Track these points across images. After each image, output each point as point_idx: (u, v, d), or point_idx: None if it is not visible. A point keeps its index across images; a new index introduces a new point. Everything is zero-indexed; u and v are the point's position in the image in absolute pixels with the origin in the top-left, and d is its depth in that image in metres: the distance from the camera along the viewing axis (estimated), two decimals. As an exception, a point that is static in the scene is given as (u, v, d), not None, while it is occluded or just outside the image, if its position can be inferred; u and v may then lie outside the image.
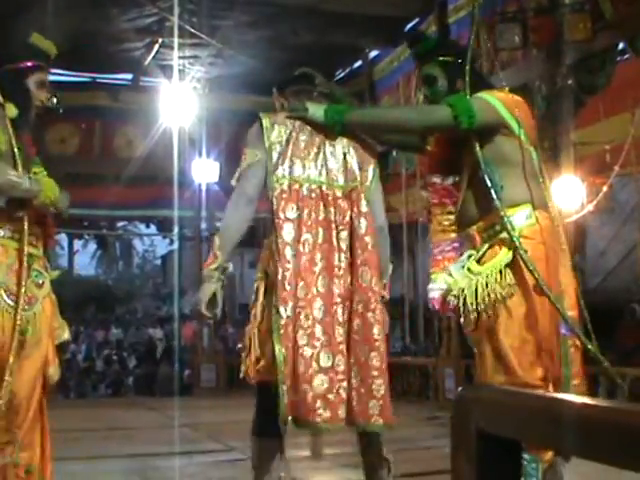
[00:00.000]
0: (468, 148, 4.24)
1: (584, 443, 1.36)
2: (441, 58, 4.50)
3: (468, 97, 4.24)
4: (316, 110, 4.25)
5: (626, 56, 9.94)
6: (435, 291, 4.46)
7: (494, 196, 4.08)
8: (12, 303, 4.32)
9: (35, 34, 4.83)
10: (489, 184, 4.10)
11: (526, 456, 3.86)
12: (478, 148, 4.16)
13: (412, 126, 4.45)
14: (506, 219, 4.03)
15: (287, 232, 4.12)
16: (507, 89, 4.77)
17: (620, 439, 1.28)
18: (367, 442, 4.22)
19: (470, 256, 4.22)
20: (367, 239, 4.19)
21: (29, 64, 4.76)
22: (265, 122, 4.25)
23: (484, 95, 4.31)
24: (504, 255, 4.07)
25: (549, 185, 4.56)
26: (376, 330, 4.11)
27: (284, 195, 4.16)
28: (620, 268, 15.74)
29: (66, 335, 4.93)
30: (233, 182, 4.28)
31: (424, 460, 5.15)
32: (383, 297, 4.24)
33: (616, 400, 9.81)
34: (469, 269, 4.12)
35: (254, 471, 4.16)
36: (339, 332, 4.08)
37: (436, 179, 4.71)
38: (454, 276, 4.17)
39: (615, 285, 15.38)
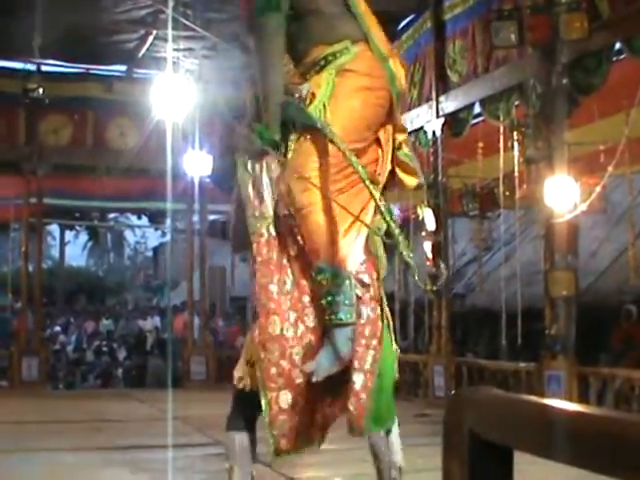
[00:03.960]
0: None
1: (576, 451, 1.35)
2: None
3: None
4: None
5: (622, 56, 9.92)
6: None
7: None
8: None
9: None
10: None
11: (336, 271, 3.93)
12: None
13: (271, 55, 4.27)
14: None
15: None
16: None
17: (612, 448, 1.27)
18: (370, 447, 4.25)
19: None
20: None
21: None
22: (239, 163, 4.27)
23: None
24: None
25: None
26: None
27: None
28: (612, 269, 15.75)
29: None
30: None
31: (413, 458, 5.13)
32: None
33: (606, 403, 9.85)
34: None
35: (227, 466, 4.16)
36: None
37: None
38: None
39: (607, 286, 15.40)
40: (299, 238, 4.07)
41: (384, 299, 4.27)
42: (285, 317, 4.04)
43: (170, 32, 12.78)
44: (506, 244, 16.53)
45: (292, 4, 4.23)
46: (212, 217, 19.87)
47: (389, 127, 4.27)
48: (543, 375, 10.24)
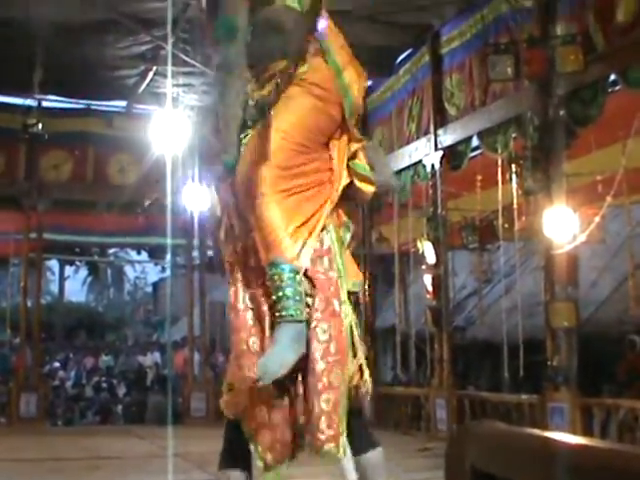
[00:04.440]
0: None
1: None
2: None
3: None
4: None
5: (617, 87, 9.96)
6: None
7: None
8: None
9: None
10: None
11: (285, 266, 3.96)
12: None
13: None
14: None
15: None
16: None
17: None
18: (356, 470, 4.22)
19: None
20: None
21: None
22: None
23: None
24: None
25: None
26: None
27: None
28: (612, 299, 15.73)
29: None
30: None
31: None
32: None
33: (610, 434, 9.81)
34: None
35: None
36: None
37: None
38: None
39: (608, 316, 15.37)
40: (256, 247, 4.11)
41: (351, 314, 4.26)
42: (251, 332, 4.08)
43: (170, 68, 12.83)
44: (506, 276, 16.52)
45: (254, 23, 4.31)
46: (211, 252, 19.86)
47: (343, 138, 4.30)
48: (546, 407, 10.21)
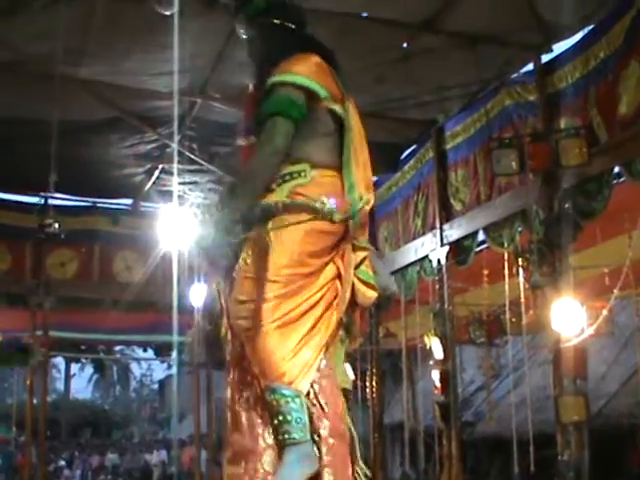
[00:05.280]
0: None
1: None
2: (265, 19, 4.59)
3: (280, 95, 4.32)
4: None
5: (622, 179, 10.00)
6: None
7: None
8: None
9: None
10: None
11: (286, 391, 3.89)
12: None
13: (273, 165, 4.33)
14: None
15: None
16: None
17: None
18: None
19: None
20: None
21: None
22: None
23: (290, 78, 4.36)
24: None
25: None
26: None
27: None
28: (622, 392, 15.65)
29: None
30: None
31: None
32: None
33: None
34: None
35: None
36: None
37: (242, 141, 4.74)
38: None
39: (617, 409, 15.27)
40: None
41: (349, 423, 4.25)
42: (252, 433, 4.05)
43: (176, 166, 12.94)
44: (514, 370, 16.44)
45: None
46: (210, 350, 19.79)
47: (348, 247, 4.28)
48: (558, 503, 10.07)
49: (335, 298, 4.23)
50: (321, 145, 4.37)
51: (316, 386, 4.07)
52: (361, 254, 4.39)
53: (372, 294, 4.46)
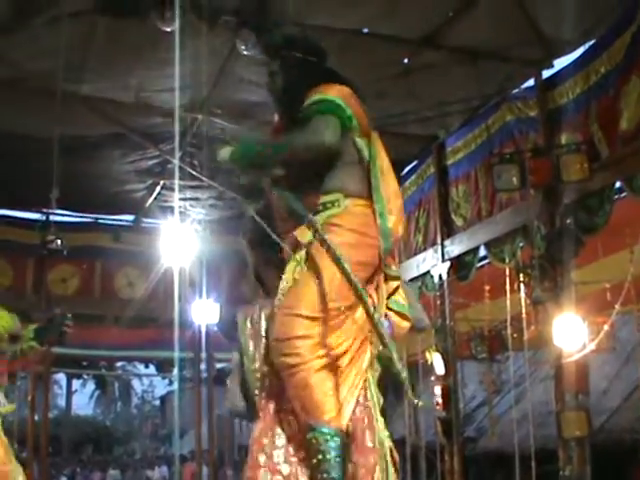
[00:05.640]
0: None
1: None
2: (287, 53, 4.58)
3: (327, 100, 4.35)
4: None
5: (623, 194, 9.99)
6: None
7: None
8: None
9: None
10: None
11: (325, 429, 3.87)
12: None
13: (298, 149, 4.32)
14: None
15: None
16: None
17: None
18: None
19: None
20: None
21: None
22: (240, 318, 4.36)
23: (331, 98, 4.38)
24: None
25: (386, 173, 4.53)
26: None
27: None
28: (624, 407, 15.60)
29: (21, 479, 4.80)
30: None
31: None
32: None
33: None
34: None
35: None
36: None
37: None
38: None
39: (620, 424, 15.23)
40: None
41: (385, 444, 4.25)
42: (277, 469, 4.00)
43: (177, 182, 12.94)
44: (516, 386, 16.40)
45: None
46: (219, 365, 19.79)
47: (381, 277, 4.27)
48: (560, 519, 10.04)
49: (371, 332, 4.22)
50: (352, 174, 4.36)
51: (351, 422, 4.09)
52: (393, 283, 4.38)
53: (405, 325, 4.46)
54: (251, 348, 4.29)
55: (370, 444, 4.11)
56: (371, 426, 4.17)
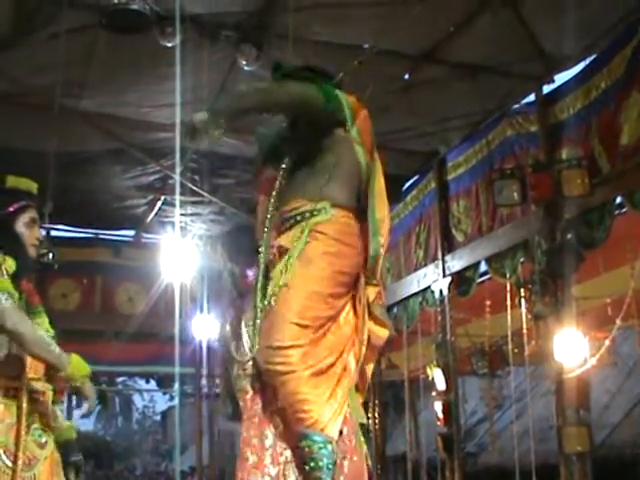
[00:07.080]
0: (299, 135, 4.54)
1: None
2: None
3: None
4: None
5: (624, 209, 9.99)
6: None
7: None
8: (11, 464, 4.20)
9: (10, 177, 4.78)
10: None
11: (318, 438, 3.87)
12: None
13: (285, 96, 4.48)
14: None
15: None
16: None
17: None
18: None
19: None
20: None
21: (12, 209, 4.67)
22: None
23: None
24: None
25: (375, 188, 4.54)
26: None
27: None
28: (625, 422, 15.58)
29: None
30: None
31: None
32: None
33: None
34: None
35: None
36: None
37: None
38: None
39: (621, 439, 15.20)
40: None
41: (366, 453, 4.27)
42: (266, 472, 4.00)
43: (178, 198, 12.95)
44: (517, 401, 16.38)
45: (296, 156, 4.40)
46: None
47: (361, 287, 4.30)
48: (562, 534, 10.00)
49: (354, 342, 4.25)
50: (343, 186, 4.40)
51: (344, 428, 4.10)
52: (372, 290, 4.40)
53: (384, 333, 4.46)
54: (234, 353, 4.32)
55: (359, 457, 4.13)
56: (357, 438, 4.19)
